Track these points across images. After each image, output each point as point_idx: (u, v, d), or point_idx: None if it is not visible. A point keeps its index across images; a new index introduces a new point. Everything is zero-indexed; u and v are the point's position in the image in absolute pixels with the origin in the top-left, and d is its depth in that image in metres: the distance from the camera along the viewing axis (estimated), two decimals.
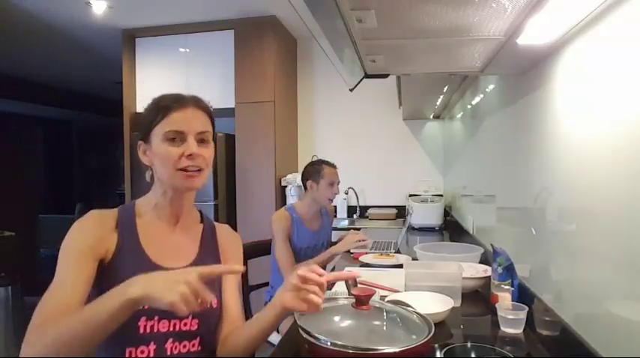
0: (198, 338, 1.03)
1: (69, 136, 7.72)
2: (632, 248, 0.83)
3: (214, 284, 1.09)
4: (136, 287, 0.78)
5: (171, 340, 0.99)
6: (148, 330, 0.96)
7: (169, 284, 0.77)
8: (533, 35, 1.09)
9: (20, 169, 6.32)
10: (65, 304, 0.87)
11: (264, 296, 2.32)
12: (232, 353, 1.06)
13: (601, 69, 0.97)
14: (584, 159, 1.05)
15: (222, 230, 1.21)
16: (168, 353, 0.98)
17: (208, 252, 1.13)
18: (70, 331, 0.79)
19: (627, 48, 0.86)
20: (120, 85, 3.72)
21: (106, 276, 0.96)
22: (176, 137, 1.01)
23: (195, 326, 1.02)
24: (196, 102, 1.06)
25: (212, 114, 1.10)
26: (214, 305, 1.06)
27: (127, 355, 0.95)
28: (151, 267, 0.99)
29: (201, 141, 1.04)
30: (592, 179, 1.00)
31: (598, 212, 0.97)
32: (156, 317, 0.97)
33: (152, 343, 0.96)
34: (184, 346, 1.01)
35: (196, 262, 1.07)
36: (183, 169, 1.01)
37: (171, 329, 0.99)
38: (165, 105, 1.03)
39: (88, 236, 0.97)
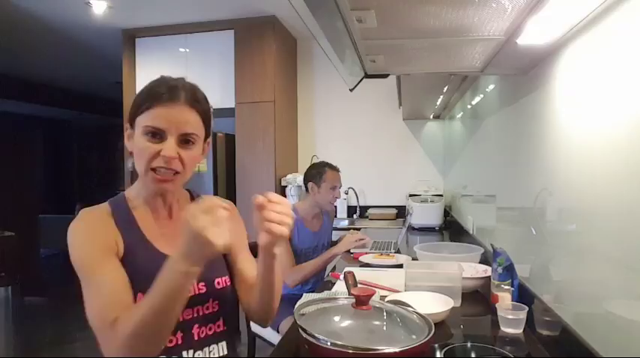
0: (221, 319, 1.06)
1: (69, 136, 7.73)
2: (632, 248, 0.83)
3: (223, 262, 1.11)
4: (182, 263, 0.79)
5: (196, 325, 1.00)
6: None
7: (203, 238, 0.76)
8: (533, 35, 1.09)
9: (20, 169, 6.33)
10: (119, 301, 0.87)
11: None
12: (259, 312, 1.08)
13: (601, 69, 0.97)
14: (584, 159, 1.05)
15: None
16: (196, 338, 1.00)
17: None
18: (142, 322, 0.80)
19: (627, 48, 0.86)
20: (120, 85, 3.72)
21: None
22: (156, 133, 0.93)
23: (217, 308, 1.04)
24: (190, 98, 0.96)
25: (207, 113, 1.01)
26: (227, 283, 1.08)
27: None
28: (161, 258, 0.96)
29: (185, 141, 0.96)
30: (592, 179, 1.00)
31: (598, 212, 0.97)
32: None
33: (179, 331, 0.97)
34: (210, 328, 1.03)
35: None
36: (155, 169, 0.94)
37: (195, 315, 1.00)
38: (153, 94, 0.95)
39: (98, 234, 0.93)
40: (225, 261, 1.13)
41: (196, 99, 0.98)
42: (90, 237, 0.93)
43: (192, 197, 1.15)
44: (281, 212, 0.88)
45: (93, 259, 0.90)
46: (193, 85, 1.00)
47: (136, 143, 0.96)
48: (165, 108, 0.93)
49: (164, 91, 0.95)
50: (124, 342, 0.80)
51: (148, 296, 0.83)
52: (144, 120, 0.94)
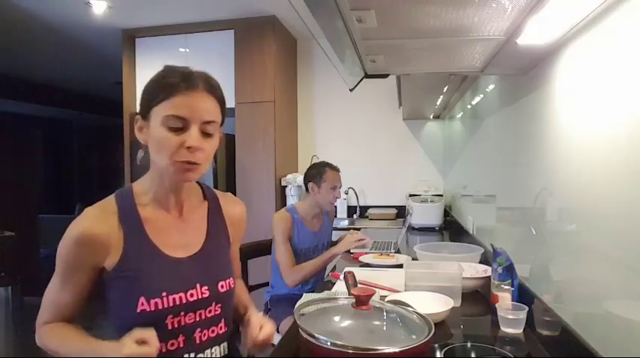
0: (223, 321, 1.05)
1: (69, 136, 7.73)
2: (632, 248, 0.83)
3: (230, 263, 1.10)
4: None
5: (199, 329, 1.00)
6: (176, 325, 0.96)
7: None
8: (533, 35, 1.09)
9: (20, 169, 6.32)
10: (60, 313, 1.00)
11: (264, 296, 2.32)
12: None
13: (601, 69, 0.97)
14: (584, 159, 1.05)
15: (226, 199, 1.16)
16: (197, 341, 0.99)
17: (216, 231, 1.09)
18: (49, 350, 0.98)
19: (627, 48, 0.86)
20: (120, 85, 3.72)
21: (117, 276, 0.94)
22: (178, 123, 0.91)
23: (219, 311, 1.03)
24: (207, 85, 0.95)
25: (223, 99, 0.99)
26: (231, 286, 1.06)
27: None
28: (161, 258, 0.98)
29: (205, 131, 0.94)
30: (592, 179, 1.00)
31: (598, 212, 0.97)
32: (182, 313, 0.96)
33: (181, 335, 0.97)
34: (212, 331, 1.02)
35: (206, 246, 1.05)
36: (180, 161, 0.92)
37: (197, 319, 0.99)
38: (170, 83, 0.92)
39: (82, 252, 0.93)
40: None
41: (213, 86, 0.97)
42: (78, 246, 0.93)
43: (205, 194, 1.12)
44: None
45: (67, 266, 0.96)
46: (206, 73, 0.99)
47: (153, 134, 0.93)
48: (185, 96, 0.92)
49: (181, 79, 0.93)
50: (42, 343, 0.99)
51: (71, 342, 0.95)
52: (163, 109, 0.91)
